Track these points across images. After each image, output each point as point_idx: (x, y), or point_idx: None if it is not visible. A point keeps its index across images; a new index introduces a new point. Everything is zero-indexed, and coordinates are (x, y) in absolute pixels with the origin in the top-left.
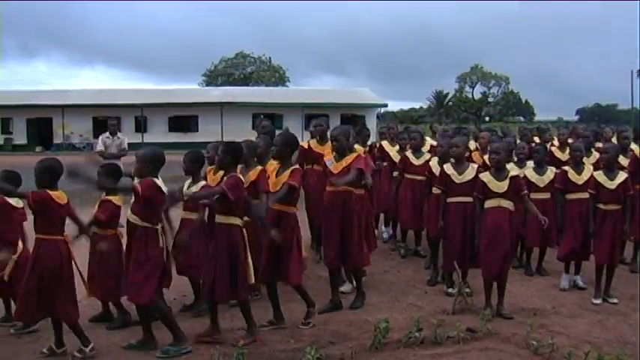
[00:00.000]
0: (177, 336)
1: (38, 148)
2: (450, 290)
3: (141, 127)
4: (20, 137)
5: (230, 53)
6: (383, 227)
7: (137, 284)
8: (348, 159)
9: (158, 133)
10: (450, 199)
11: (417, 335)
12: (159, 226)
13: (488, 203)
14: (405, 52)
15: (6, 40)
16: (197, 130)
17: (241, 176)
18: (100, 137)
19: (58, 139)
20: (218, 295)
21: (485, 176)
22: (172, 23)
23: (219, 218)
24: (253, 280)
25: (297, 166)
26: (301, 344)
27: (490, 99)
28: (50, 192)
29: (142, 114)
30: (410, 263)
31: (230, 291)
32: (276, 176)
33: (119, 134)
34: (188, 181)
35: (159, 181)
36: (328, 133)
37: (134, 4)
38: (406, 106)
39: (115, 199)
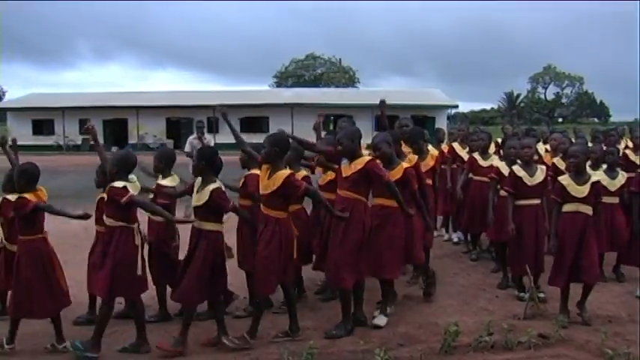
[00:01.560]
0: (139, 338)
1: (114, 148)
2: (522, 295)
3: (212, 127)
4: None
5: (300, 55)
6: (451, 230)
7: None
8: (357, 164)
9: (229, 134)
10: (520, 202)
11: (487, 340)
12: (135, 225)
13: (566, 207)
14: (475, 53)
15: (80, 43)
16: (268, 131)
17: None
18: (189, 139)
19: (132, 140)
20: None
21: (565, 179)
22: (242, 25)
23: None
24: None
25: (290, 170)
26: (370, 345)
27: (563, 100)
28: (26, 195)
29: (213, 114)
30: (480, 266)
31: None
32: (268, 178)
33: (206, 135)
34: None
35: (120, 183)
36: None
37: (202, 5)
38: (477, 107)
39: None
